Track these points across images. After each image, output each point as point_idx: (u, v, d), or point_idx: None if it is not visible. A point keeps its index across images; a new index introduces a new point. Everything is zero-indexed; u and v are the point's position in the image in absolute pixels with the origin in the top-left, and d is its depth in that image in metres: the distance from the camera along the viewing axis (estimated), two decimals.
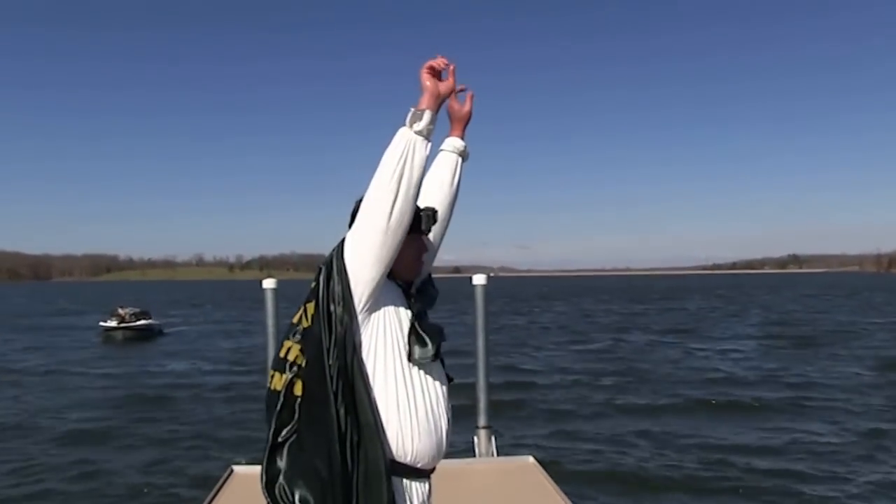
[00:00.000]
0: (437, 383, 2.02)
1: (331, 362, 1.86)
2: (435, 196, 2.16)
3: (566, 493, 4.13)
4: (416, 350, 1.94)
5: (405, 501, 1.95)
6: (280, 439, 1.92)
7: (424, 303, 2.07)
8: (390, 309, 1.96)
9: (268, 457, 1.92)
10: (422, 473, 2.00)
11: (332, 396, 1.85)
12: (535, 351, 23.48)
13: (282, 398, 1.92)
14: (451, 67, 2.00)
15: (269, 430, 1.92)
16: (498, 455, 5.62)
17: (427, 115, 1.88)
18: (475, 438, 5.73)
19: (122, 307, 32.57)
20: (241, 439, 10.95)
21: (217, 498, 4.20)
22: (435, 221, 2.04)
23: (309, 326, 1.94)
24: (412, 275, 2.09)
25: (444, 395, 2.03)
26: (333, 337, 1.87)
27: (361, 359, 1.90)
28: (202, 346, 26.94)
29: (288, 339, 1.99)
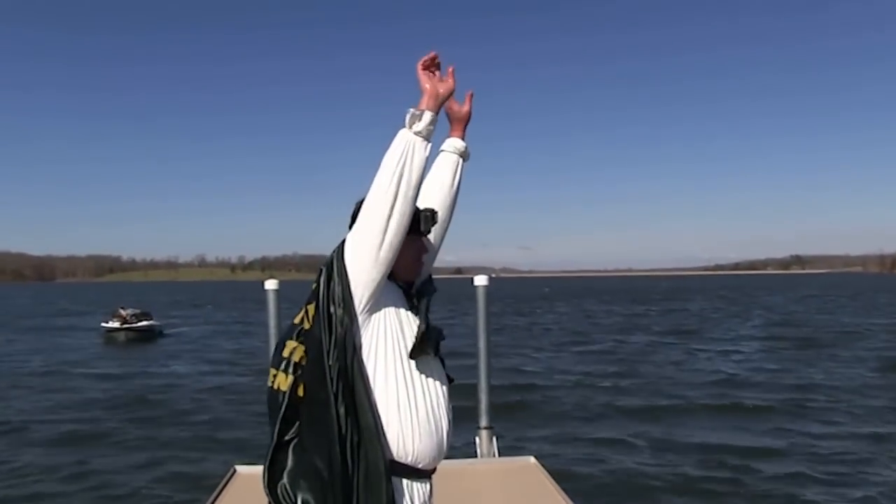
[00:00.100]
0: (438, 384, 2.02)
1: (331, 363, 1.87)
2: (435, 197, 2.16)
3: (567, 494, 4.13)
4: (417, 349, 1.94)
5: (406, 502, 1.96)
6: (285, 439, 1.94)
7: (428, 299, 2.08)
8: (391, 310, 1.96)
9: (271, 457, 1.94)
10: (423, 474, 2.00)
11: (332, 397, 1.86)
12: (536, 352, 23.46)
13: (287, 399, 1.93)
14: (451, 68, 2.01)
15: (274, 430, 1.94)
16: (499, 456, 5.63)
17: (426, 116, 1.88)
18: (477, 439, 5.73)
19: (122, 308, 32.62)
20: (242, 440, 10.96)
21: (220, 497, 4.21)
22: (434, 222, 2.04)
23: (310, 328, 1.95)
24: (412, 276, 2.10)
25: (444, 396, 2.04)
26: (333, 338, 1.88)
27: (362, 360, 1.91)
28: (203, 347, 26.96)
29: (291, 339, 2.00)
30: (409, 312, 2.01)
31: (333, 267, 1.91)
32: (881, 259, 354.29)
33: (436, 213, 2.04)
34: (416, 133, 1.87)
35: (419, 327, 1.96)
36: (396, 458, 1.93)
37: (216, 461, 9.40)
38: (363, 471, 1.87)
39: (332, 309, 1.89)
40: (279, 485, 1.90)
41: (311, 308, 1.95)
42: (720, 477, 8.84)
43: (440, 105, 1.96)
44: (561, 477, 4.74)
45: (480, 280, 5.86)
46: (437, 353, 2.02)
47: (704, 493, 8.34)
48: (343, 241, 1.93)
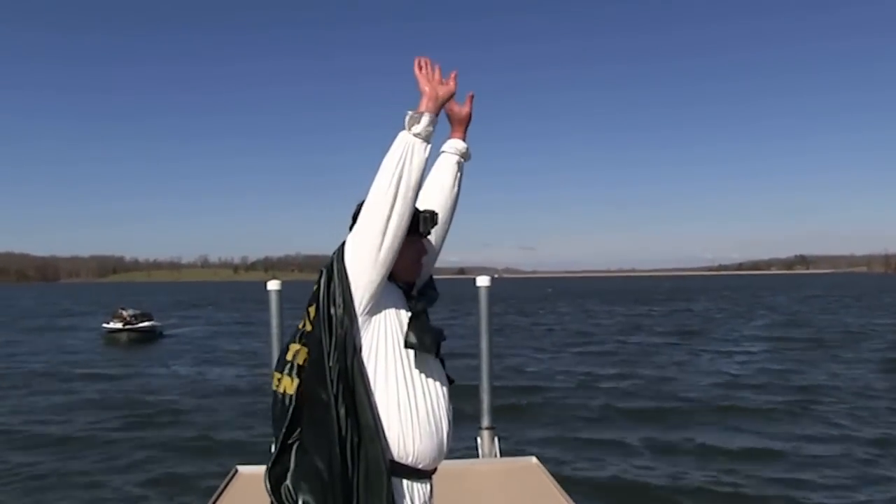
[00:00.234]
0: (438, 384, 2.03)
1: (331, 365, 1.88)
2: (435, 198, 2.17)
3: (569, 494, 4.13)
4: (412, 336, 1.93)
5: (406, 502, 1.97)
6: (289, 442, 1.96)
7: (426, 303, 2.08)
8: (391, 311, 1.97)
9: (275, 458, 1.96)
10: (423, 474, 2.01)
11: (332, 398, 1.87)
12: (538, 353, 23.46)
13: (293, 401, 1.95)
14: (453, 73, 2.02)
15: (280, 431, 1.95)
16: (501, 456, 5.63)
17: (426, 118, 1.89)
18: (478, 439, 5.73)
19: (123, 309, 32.74)
20: (243, 441, 10.98)
21: (221, 498, 4.22)
22: (434, 224, 2.05)
23: (311, 329, 1.97)
24: (412, 276, 2.11)
25: (445, 397, 2.05)
26: (334, 339, 1.89)
27: (362, 361, 1.92)
28: (205, 348, 27.01)
29: (295, 342, 2.01)
30: (410, 313, 2.01)
31: (333, 268, 1.92)
32: (886, 259, 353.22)
33: (435, 214, 2.05)
34: (416, 135, 1.87)
35: (409, 317, 1.96)
36: (397, 459, 1.93)
37: (216, 462, 9.41)
38: (363, 471, 1.88)
39: (332, 310, 1.90)
40: (282, 486, 1.92)
41: (312, 310, 1.96)
42: (722, 479, 8.83)
43: (440, 107, 1.96)
44: (563, 478, 4.75)
45: (482, 281, 5.87)
46: (437, 353, 2.02)
47: (706, 494, 8.32)
48: (343, 243, 1.94)
